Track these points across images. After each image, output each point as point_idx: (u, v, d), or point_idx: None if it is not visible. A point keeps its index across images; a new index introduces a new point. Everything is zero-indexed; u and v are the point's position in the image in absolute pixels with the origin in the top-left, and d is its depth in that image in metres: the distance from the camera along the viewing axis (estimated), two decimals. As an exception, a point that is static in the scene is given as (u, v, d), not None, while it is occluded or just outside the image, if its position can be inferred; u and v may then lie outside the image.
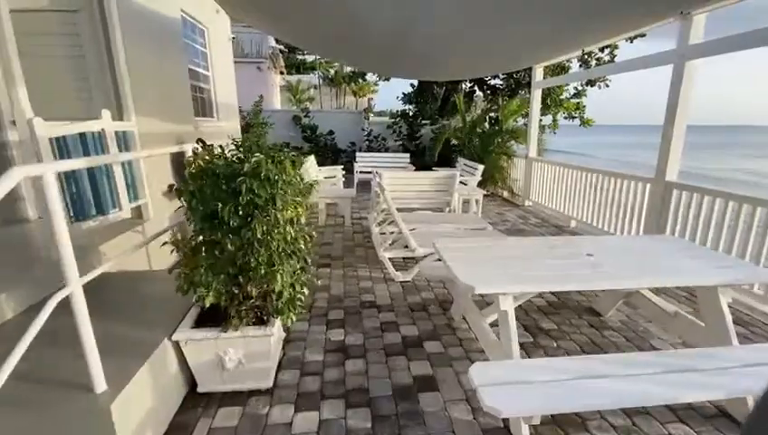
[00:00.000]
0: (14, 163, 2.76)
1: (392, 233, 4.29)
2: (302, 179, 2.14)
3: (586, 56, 9.49)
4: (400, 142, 9.84)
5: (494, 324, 2.58)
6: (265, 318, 2.05)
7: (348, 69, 15.50)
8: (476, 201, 6.32)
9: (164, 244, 1.86)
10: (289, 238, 1.84)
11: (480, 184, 6.68)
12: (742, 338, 2.64)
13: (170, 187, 3.87)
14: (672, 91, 3.91)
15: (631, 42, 8.28)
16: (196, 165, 1.82)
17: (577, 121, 10.19)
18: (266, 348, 2.06)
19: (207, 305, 1.85)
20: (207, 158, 2.00)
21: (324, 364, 2.40)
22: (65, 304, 1.40)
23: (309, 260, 2.27)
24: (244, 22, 6.94)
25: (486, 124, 8.91)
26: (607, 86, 9.13)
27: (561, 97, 9.50)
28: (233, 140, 2.21)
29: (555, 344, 2.68)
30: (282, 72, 19.61)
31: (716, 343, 2.12)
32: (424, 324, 2.89)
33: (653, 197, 4.22)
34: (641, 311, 3.04)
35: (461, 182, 6.06)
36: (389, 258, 3.86)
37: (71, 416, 1.45)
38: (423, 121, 9.77)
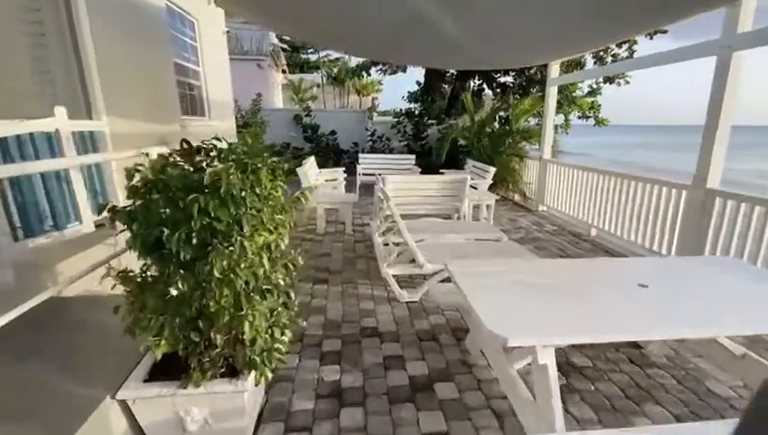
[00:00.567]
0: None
1: (397, 244, 3.87)
2: (284, 192, 1.72)
3: (602, 52, 9.01)
4: (405, 143, 9.40)
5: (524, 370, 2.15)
6: (238, 368, 1.62)
7: (352, 62, 14.97)
8: (487, 207, 5.87)
9: (104, 277, 1.44)
10: (262, 272, 1.41)
11: (490, 187, 6.23)
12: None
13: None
14: (715, 86, 3.45)
15: (651, 38, 7.80)
16: (142, 175, 1.40)
17: (591, 121, 9.70)
18: (239, 405, 1.63)
19: (159, 356, 1.43)
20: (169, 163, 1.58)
21: (315, 415, 1.97)
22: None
23: (293, 295, 1.84)
24: (238, 15, 6.58)
25: (496, 124, 8.46)
26: (627, 83, 8.64)
27: (575, 95, 9.01)
28: (206, 140, 1.81)
29: (593, 387, 2.23)
30: (284, 71, 19.21)
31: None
32: (434, 359, 2.45)
33: (690, 206, 3.75)
34: (693, 346, 2.58)
35: (471, 186, 5.63)
36: (394, 275, 3.42)
37: None
38: (429, 121, 9.33)
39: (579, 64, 8.49)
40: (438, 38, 4.06)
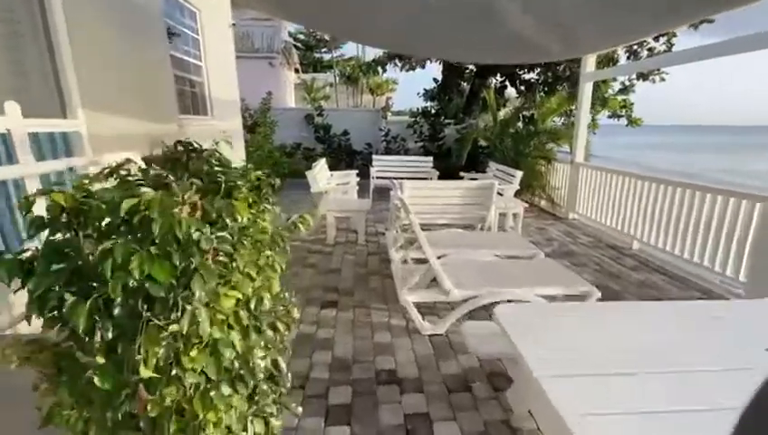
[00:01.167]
0: None
1: (416, 261, 3.37)
2: (274, 217, 1.25)
3: (636, 46, 8.33)
4: (421, 144, 8.88)
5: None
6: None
7: (367, 58, 14.45)
8: (514, 216, 5.32)
9: (4, 351, 0.99)
10: (231, 355, 0.92)
11: (515, 193, 5.68)
12: None
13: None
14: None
15: (696, 28, 7.11)
16: (53, 201, 0.92)
17: (622, 122, 9.02)
18: None
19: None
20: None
21: (316, 508, 1.50)
22: None
23: (283, 365, 1.36)
24: (245, 6, 6.17)
25: (520, 124, 7.86)
26: (663, 80, 7.95)
27: (607, 94, 8.33)
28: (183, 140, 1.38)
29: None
30: (297, 70, 18.88)
31: None
32: (469, 420, 1.95)
33: (767, 220, 3.15)
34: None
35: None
36: (415, 303, 2.92)
37: None
38: (446, 120, 8.79)
39: (611, 60, 7.84)
40: (467, 23, 3.53)
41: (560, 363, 1.28)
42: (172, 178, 1.15)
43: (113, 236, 0.76)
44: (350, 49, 30.35)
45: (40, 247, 0.85)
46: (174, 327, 0.77)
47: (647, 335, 1.51)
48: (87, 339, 0.79)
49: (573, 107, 8.28)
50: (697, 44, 3.96)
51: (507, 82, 8.80)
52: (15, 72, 2.48)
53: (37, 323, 0.85)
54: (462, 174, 6.91)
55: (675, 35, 7.79)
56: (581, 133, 5.98)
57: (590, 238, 5.21)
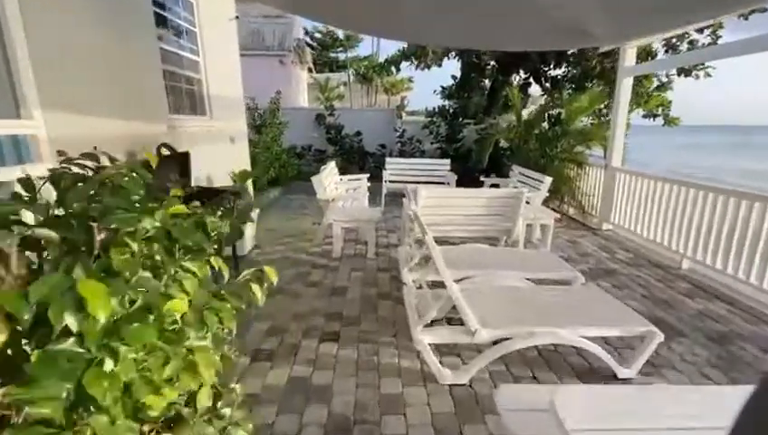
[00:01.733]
0: None
1: (433, 284, 2.87)
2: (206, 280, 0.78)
3: (675, 39, 7.60)
4: (438, 145, 8.35)
5: None
6: None
7: (382, 57, 13.80)
8: (543, 227, 4.75)
9: None
10: None
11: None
12: None
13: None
14: None
15: (746, 18, 6.37)
16: None
17: (658, 121, 8.28)
18: None
19: None
20: None
21: None
22: None
23: None
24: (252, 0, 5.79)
25: (545, 124, 7.25)
26: (708, 75, 7.20)
27: (650, 89, 7.60)
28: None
29: None
30: (310, 70, 18.55)
31: None
32: None
33: None
34: None
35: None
36: (432, 344, 2.41)
37: None
38: (465, 121, 8.24)
39: (648, 54, 7.14)
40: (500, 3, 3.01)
41: None
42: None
43: None
44: (365, 48, 29.97)
45: None
46: None
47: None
48: None
49: (604, 105, 7.64)
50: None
51: (531, 79, 8.18)
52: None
53: None
54: (482, 178, 6.37)
55: (721, 26, 7.05)
56: (618, 134, 5.36)
57: (629, 254, 4.60)
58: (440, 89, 9.06)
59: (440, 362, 2.30)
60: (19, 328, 0.61)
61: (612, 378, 2.29)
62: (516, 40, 3.96)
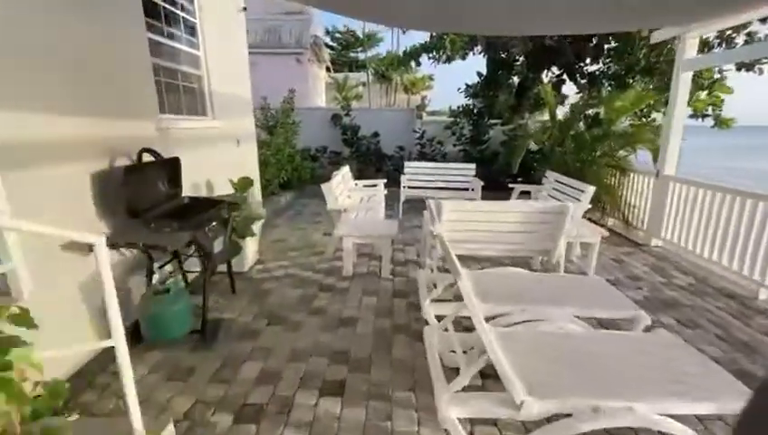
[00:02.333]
0: None
1: (462, 328, 2.32)
2: None
3: (730, 31, 6.77)
4: (461, 147, 7.75)
5: None
6: None
7: (401, 49, 13.10)
8: (584, 246, 4.11)
9: None
10: None
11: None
12: None
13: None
14: None
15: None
16: None
17: (706, 122, 7.43)
18: None
19: None
20: None
21: None
22: None
23: None
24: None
25: (581, 124, 6.55)
26: (775, 69, 6.35)
27: (712, 82, 6.71)
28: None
29: None
30: (328, 69, 18.18)
31: None
32: None
33: None
34: None
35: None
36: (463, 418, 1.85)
37: None
38: (491, 121, 7.61)
39: (705, 45, 6.35)
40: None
41: None
42: None
43: None
44: (385, 47, 29.51)
45: None
46: None
47: None
48: None
49: (647, 104, 6.87)
50: None
51: (566, 76, 7.49)
52: None
53: None
54: (511, 185, 5.75)
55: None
56: (673, 138, 4.65)
57: (688, 278, 3.91)
58: (464, 87, 8.45)
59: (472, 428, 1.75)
60: None
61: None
62: (564, 20, 3.34)
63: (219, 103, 4.27)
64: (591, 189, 4.39)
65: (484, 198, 5.93)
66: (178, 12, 3.63)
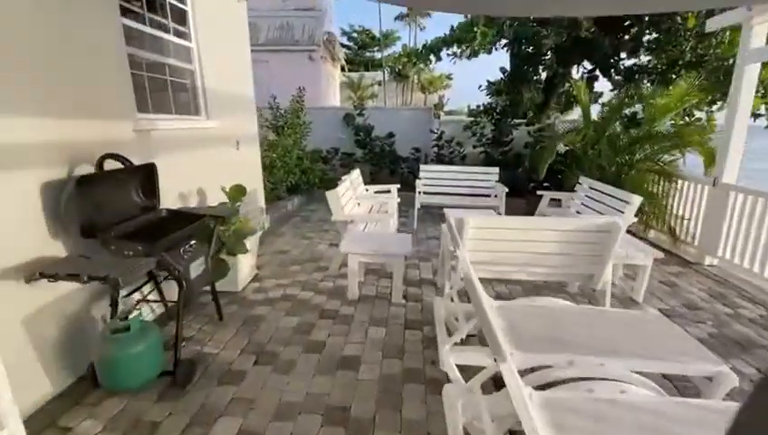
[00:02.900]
0: None
1: (494, 383, 1.80)
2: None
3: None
4: (482, 149, 7.17)
5: None
6: None
7: (419, 43, 12.39)
8: (629, 269, 3.51)
9: None
10: None
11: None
12: None
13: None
14: None
15: None
16: None
17: (761, 122, 6.64)
18: None
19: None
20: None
21: None
22: None
23: None
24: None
25: (617, 125, 5.88)
26: None
27: None
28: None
29: None
30: (343, 69, 17.77)
31: None
32: None
33: None
34: None
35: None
36: None
37: None
38: (516, 121, 7.00)
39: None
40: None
41: None
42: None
43: None
44: (401, 47, 28.98)
45: None
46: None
47: None
48: None
49: (693, 102, 6.14)
50: None
51: (598, 72, 6.82)
52: None
53: None
54: (540, 192, 5.16)
55: None
56: (736, 139, 3.99)
57: (759, 310, 3.27)
58: (486, 84, 7.86)
59: None
60: None
61: None
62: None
63: (215, 101, 3.85)
64: (638, 200, 3.78)
65: (507, 205, 5.36)
66: (164, -3, 3.21)
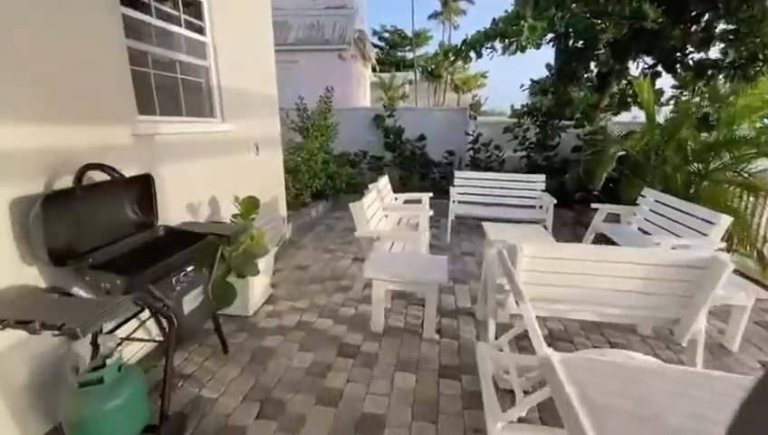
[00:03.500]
0: None
1: None
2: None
3: None
4: (524, 153, 6.52)
5: None
6: None
7: (453, 42, 11.44)
8: (721, 311, 2.83)
9: None
10: None
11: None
12: None
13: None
14: None
15: None
16: None
17: None
18: None
19: None
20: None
21: None
22: None
23: None
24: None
25: (683, 129, 5.08)
26: None
27: None
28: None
29: None
30: (374, 69, 17.38)
31: None
32: None
33: None
34: None
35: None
36: None
37: None
38: (563, 123, 6.30)
39: None
40: None
41: None
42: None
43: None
44: (434, 46, 28.34)
45: None
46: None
47: None
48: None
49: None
50: None
51: (660, 67, 6.02)
52: None
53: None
54: (596, 205, 4.51)
55: None
56: None
57: None
58: (530, 83, 7.18)
59: None
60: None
61: None
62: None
63: (232, 102, 3.50)
64: (726, 221, 3.12)
65: (554, 217, 4.74)
66: (175, -14, 2.88)
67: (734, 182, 4.29)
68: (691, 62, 5.83)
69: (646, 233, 4.16)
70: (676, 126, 4.66)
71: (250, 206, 2.90)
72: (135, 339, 2.02)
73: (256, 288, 3.03)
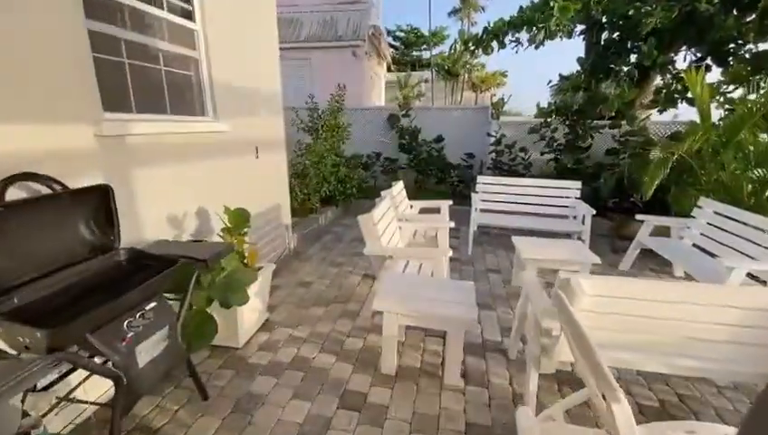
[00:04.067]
0: None
1: None
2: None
3: None
4: (552, 156, 5.93)
5: None
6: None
7: (471, 34, 10.89)
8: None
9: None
10: None
11: None
12: None
13: None
14: None
15: None
16: None
17: None
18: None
19: None
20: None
21: None
22: None
23: None
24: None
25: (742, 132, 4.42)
26: None
27: None
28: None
29: None
30: (389, 68, 16.89)
31: None
32: None
33: None
34: None
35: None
36: None
37: None
38: (596, 122, 5.68)
39: None
40: None
41: None
42: None
43: None
44: (449, 45, 27.69)
45: None
46: None
47: None
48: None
49: None
50: None
51: (710, 60, 5.35)
52: None
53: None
54: (641, 217, 3.93)
55: None
56: None
57: None
58: (558, 79, 6.58)
59: None
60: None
61: None
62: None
63: (227, 99, 3.08)
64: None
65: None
66: (155, -39, 2.45)
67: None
68: (747, 55, 5.15)
69: (703, 250, 3.57)
70: (736, 126, 4.02)
71: (239, 218, 2.46)
72: (75, 400, 1.59)
73: (247, 315, 2.59)
